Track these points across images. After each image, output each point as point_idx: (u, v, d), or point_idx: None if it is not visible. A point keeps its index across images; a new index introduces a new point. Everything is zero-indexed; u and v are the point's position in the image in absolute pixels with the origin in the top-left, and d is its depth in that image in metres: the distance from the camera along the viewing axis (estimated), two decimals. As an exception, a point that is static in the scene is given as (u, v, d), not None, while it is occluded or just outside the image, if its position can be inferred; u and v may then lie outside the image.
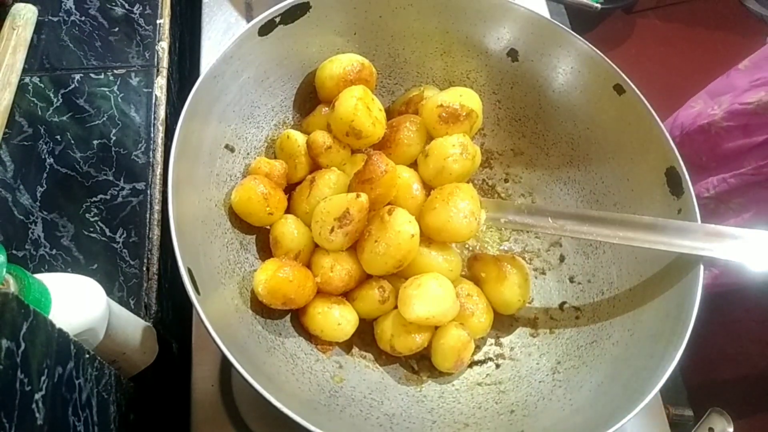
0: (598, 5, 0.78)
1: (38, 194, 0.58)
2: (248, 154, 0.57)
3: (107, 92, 0.64)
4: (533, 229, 0.57)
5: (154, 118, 0.64)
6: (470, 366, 0.55)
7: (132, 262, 0.57)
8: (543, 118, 0.62)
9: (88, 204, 0.59)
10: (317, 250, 0.54)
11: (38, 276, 0.42)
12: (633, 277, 0.55)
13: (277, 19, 0.54)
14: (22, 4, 0.65)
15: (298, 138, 0.56)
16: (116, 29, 0.68)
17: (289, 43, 0.56)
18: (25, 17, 0.65)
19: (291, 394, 0.47)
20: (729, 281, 0.99)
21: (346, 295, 0.54)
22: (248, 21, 0.76)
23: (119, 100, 0.64)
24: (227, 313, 0.49)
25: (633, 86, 0.55)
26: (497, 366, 0.56)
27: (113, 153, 0.61)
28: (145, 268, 0.57)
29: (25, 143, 0.60)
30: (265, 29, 0.54)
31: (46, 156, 0.60)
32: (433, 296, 0.50)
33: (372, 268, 0.52)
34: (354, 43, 0.60)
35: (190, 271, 0.43)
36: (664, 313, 0.50)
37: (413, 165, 0.58)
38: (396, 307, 0.53)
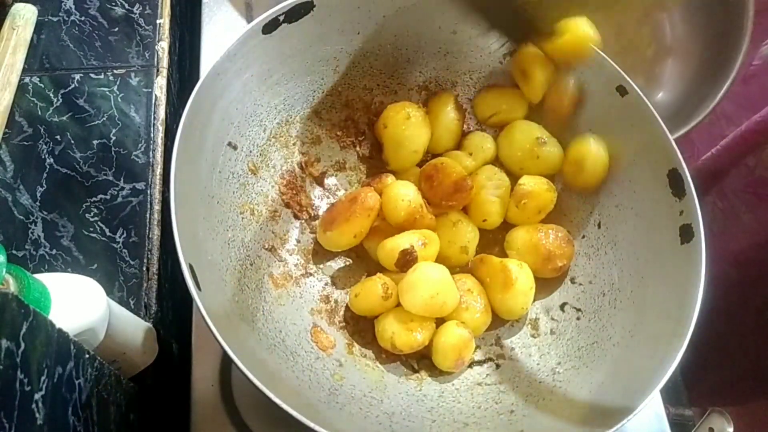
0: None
1: (38, 194, 0.58)
2: (251, 152, 0.57)
3: (107, 92, 0.64)
4: None
5: (154, 118, 0.64)
6: (470, 366, 0.55)
7: (132, 262, 0.57)
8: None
9: (88, 204, 0.59)
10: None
11: (38, 276, 0.42)
12: (634, 278, 0.54)
13: (281, 18, 0.54)
14: (22, 4, 0.65)
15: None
16: (116, 29, 0.68)
17: (292, 41, 0.56)
18: (25, 17, 0.65)
19: (291, 392, 0.47)
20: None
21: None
22: (248, 21, 0.76)
23: (119, 100, 0.64)
24: (228, 309, 0.49)
25: (636, 87, 0.55)
26: (497, 366, 0.55)
27: (113, 153, 0.61)
28: (145, 268, 0.57)
29: (25, 143, 0.60)
30: (269, 27, 0.54)
31: (46, 156, 0.60)
32: (433, 280, 0.51)
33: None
34: (357, 42, 0.60)
35: (191, 267, 0.43)
36: (666, 315, 0.50)
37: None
38: (398, 305, 0.53)
